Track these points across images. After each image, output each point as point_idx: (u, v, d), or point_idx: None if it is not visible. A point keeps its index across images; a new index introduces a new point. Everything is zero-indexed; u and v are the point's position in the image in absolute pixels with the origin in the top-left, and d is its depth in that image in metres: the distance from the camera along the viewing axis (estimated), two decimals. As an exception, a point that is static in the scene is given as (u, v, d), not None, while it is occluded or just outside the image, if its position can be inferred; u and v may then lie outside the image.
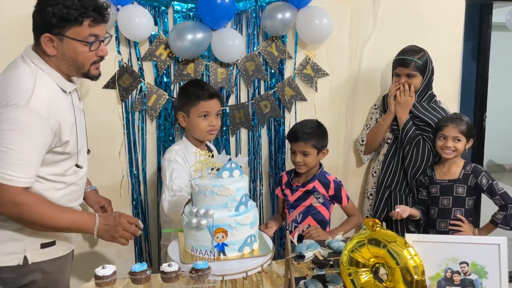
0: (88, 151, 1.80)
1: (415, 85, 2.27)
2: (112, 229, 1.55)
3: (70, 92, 1.60)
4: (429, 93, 2.32)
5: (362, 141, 2.54)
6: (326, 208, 2.15)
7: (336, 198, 2.15)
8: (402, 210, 2.11)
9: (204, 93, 1.98)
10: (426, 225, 2.28)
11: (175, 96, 2.32)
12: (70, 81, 1.61)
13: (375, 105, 2.53)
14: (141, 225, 1.61)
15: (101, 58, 1.59)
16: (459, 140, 2.13)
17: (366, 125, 2.54)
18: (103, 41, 1.56)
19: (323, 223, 2.14)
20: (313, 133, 2.10)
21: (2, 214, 1.46)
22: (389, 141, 2.41)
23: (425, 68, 2.25)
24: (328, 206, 2.16)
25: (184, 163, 1.95)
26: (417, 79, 2.26)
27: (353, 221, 2.18)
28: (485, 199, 2.28)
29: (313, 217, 2.13)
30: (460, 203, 2.16)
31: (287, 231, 1.51)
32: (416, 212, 2.19)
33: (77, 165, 1.64)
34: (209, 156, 1.47)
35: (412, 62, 2.23)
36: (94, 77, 1.61)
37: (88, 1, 1.47)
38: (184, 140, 2.06)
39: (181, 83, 2.32)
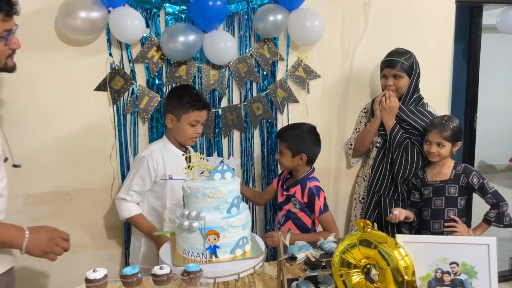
0: (6, 159, 1.65)
1: (401, 86, 2.27)
2: (44, 244, 1.46)
3: None
4: (416, 95, 2.32)
5: (351, 145, 2.56)
6: (306, 215, 2.09)
7: (310, 206, 2.07)
8: (399, 213, 2.12)
9: (200, 103, 2.03)
10: (419, 227, 2.29)
11: (167, 98, 2.32)
12: None
13: (364, 108, 2.54)
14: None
15: (14, 50, 1.54)
16: (442, 145, 2.15)
17: (356, 129, 2.56)
18: (14, 33, 1.50)
19: (304, 230, 2.09)
20: (289, 135, 2.10)
21: None
22: (377, 145, 2.42)
23: (412, 70, 2.26)
24: (309, 213, 2.10)
25: (156, 164, 2.01)
26: (403, 80, 2.27)
27: (323, 236, 1.85)
28: (476, 198, 2.29)
29: (293, 222, 2.11)
30: (452, 203, 2.17)
31: (279, 234, 1.51)
32: (410, 214, 2.20)
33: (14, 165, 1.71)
34: (201, 158, 1.48)
35: (398, 63, 2.24)
36: (11, 69, 1.56)
37: None
38: (165, 139, 2.11)
39: (173, 85, 2.32)
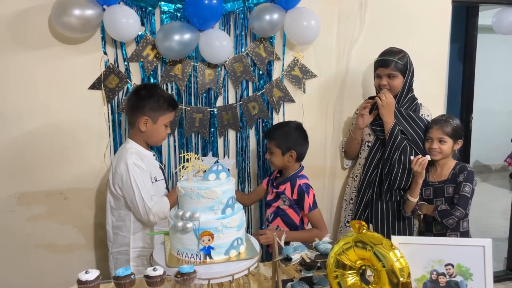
0: None
1: (396, 86, 2.23)
2: None
3: None
4: (410, 95, 2.29)
5: (343, 147, 2.56)
6: (295, 212, 2.11)
7: (299, 203, 2.09)
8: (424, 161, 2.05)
9: (175, 103, 2.02)
10: (423, 230, 2.28)
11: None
12: None
13: (357, 110, 2.50)
14: None
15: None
16: (444, 141, 2.14)
17: (349, 130, 2.54)
18: None
19: (292, 226, 2.11)
20: (277, 133, 2.12)
21: None
22: (369, 144, 2.37)
23: (406, 69, 2.23)
24: (298, 210, 2.11)
25: (143, 167, 1.92)
26: (398, 79, 2.23)
27: (312, 233, 2.04)
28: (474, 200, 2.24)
29: (282, 219, 2.13)
30: (453, 203, 2.12)
31: (275, 234, 1.51)
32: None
33: None
34: (196, 158, 1.46)
35: (392, 62, 2.21)
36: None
37: None
38: (133, 143, 1.98)
39: (169, 84, 2.31)
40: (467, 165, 2.18)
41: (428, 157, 2.08)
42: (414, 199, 2.15)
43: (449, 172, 2.18)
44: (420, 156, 2.10)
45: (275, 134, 2.13)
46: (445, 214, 2.09)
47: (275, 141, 2.11)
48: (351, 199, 2.50)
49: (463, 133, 2.23)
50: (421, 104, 2.34)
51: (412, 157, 2.13)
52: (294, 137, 2.13)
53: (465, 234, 2.18)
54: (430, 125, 2.19)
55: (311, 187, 2.13)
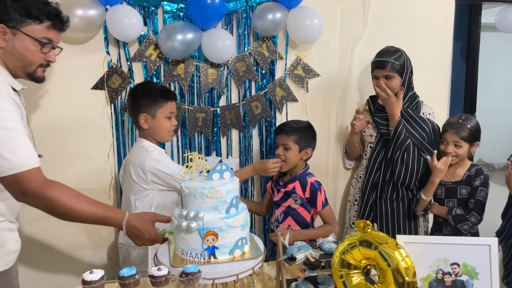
0: (40, 156, 1.58)
1: (394, 86, 2.18)
2: (137, 234, 1.55)
3: (18, 92, 1.55)
4: (410, 93, 2.25)
5: (344, 147, 2.56)
6: (306, 210, 2.12)
7: (312, 201, 2.10)
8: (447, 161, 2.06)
9: (170, 94, 2.03)
10: (433, 230, 2.27)
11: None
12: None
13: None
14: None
15: (49, 63, 1.60)
16: (459, 146, 2.10)
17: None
18: (54, 48, 1.59)
19: (304, 225, 2.12)
20: (297, 129, 2.11)
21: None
22: (371, 145, 2.35)
23: (403, 69, 2.18)
24: (309, 208, 2.12)
25: (165, 154, 1.99)
26: (395, 80, 2.18)
27: (325, 229, 2.07)
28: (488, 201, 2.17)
29: (293, 218, 2.13)
30: (465, 205, 2.11)
31: (279, 234, 1.50)
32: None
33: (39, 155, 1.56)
34: (199, 158, 1.46)
35: (389, 63, 2.17)
36: (40, 80, 1.61)
37: (52, 7, 1.53)
38: (143, 141, 2.01)
39: (171, 84, 2.31)
40: (483, 169, 2.14)
41: (450, 159, 2.07)
42: (427, 198, 2.13)
43: (463, 173, 2.14)
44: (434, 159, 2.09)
45: (295, 130, 2.10)
46: (460, 219, 2.06)
47: (294, 136, 2.08)
48: (356, 200, 2.49)
49: (480, 135, 2.16)
50: (422, 101, 2.31)
51: (428, 157, 2.12)
52: (311, 135, 2.15)
53: (476, 235, 2.15)
54: (445, 128, 2.15)
55: (321, 184, 2.15)
